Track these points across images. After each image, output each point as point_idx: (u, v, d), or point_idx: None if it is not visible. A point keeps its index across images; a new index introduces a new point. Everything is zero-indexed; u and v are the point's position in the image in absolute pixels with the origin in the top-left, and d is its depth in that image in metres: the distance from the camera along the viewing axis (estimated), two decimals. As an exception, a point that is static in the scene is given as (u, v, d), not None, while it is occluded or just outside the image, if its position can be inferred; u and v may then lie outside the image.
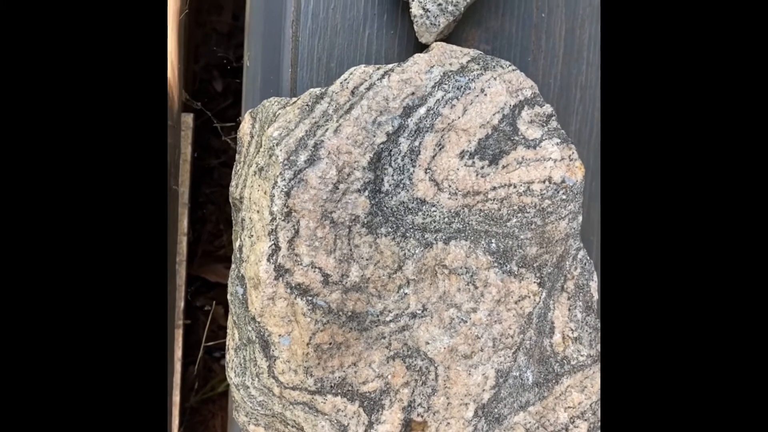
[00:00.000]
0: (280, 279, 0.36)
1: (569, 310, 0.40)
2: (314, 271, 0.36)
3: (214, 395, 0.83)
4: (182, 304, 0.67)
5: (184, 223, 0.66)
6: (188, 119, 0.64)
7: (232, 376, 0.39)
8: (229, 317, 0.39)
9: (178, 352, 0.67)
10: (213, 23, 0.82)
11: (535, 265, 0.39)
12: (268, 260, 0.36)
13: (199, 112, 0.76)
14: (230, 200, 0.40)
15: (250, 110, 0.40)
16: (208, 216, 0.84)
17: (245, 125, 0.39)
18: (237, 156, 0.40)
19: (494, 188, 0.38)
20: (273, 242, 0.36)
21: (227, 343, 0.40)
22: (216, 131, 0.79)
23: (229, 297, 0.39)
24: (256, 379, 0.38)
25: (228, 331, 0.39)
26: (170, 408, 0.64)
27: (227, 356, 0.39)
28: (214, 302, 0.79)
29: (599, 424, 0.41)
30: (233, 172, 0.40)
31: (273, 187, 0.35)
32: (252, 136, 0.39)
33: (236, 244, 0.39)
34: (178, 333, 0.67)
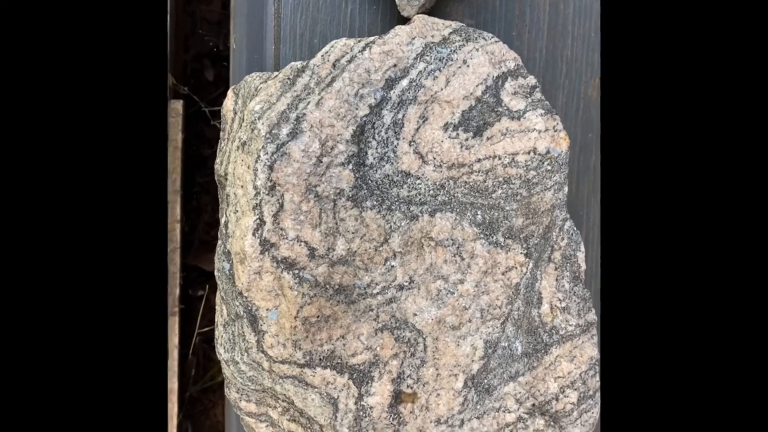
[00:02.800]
0: (266, 253, 0.36)
1: (557, 280, 0.40)
2: (300, 245, 0.36)
3: (214, 384, 0.83)
4: (177, 291, 0.68)
5: (176, 210, 0.66)
6: (178, 106, 0.63)
7: (222, 352, 0.39)
8: (218, 293, 0.39)
9: (175, 339, 0.68)
10: (202, 12, 0.82)
11: (521, 236, 0.39)
12: (254, 234, 0.36)
13: (190, 101, 0.76)
14: (216, 178, 0.40)
15: (232, 86, 0.40)
16: (203, 206, 0.84)
17: (228, 102, 0.39)
18: (221, 133, 0.40)
19: (479, 160, 0.38)
20: (258, 216, 0.36)
21: (216, 320, 0.40)
22: (208, 121, 0.79)
23: (216, 273, 0.39)
24: (245, 354, 0.38)
25: (216, 307, 0.40)
26: (168, 395, 0.64)
27: (216, 332, 0.40)
28: (207, 287, 0.79)
29: (589, 393, 0.41)
30: (218, 149, 0.40)
31: (256, 161, 0.35)
32: (235, 113, 0.39)
33: (222, 220, 0.39)
34: (174, 320, 0.67)
